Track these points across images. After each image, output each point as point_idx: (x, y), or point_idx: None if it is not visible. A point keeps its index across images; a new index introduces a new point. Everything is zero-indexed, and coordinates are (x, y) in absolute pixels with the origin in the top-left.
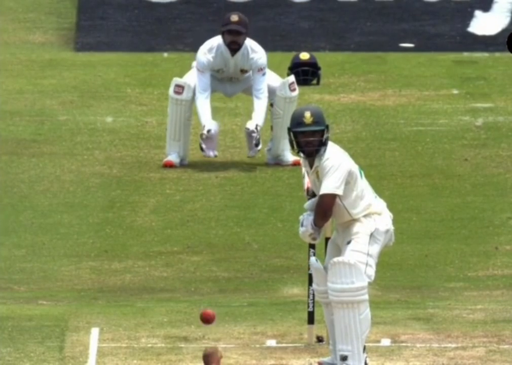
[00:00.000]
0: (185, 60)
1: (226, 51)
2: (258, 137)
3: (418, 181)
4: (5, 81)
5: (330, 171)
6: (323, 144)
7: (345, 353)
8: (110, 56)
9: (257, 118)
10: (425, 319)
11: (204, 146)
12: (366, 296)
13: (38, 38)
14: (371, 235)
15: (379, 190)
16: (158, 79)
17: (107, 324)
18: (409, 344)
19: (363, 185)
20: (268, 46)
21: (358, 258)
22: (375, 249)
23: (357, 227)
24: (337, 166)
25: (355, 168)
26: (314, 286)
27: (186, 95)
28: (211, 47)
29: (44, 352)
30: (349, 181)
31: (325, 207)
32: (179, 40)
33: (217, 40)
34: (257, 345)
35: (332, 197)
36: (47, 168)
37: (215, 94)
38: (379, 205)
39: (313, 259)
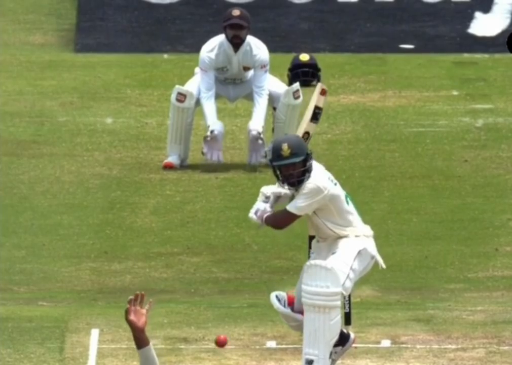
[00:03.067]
0: (185, 61)
1: (229, 48)
2: (264, 146)
3: (418, 182)
4: (5, 82)
5: (306, 192)
6: (307, 171)
7: (311, 357)
8: (110, 57)
9: (259, 120)
10: (425, 320)
11: (205, 150)
12: (339, 303)
13: (38, 39)
14: (359, 252)
15: (379, 191)
16: (158, 80)
17: (107, 325)
18: (409, 346)
19: (349, 209)
20: (268, 47)
21: (340, 268)
22: (359, 266)
23: (346, 241)
24: (315, 190)
25: (339, 192)
26: (284, 321)
27: (188, 103)
28: (214, 45)
29: (44, 353)
30: (327, 205)
31: (282, 223)
32: (179, 41)
33: (219, 38)
34: (257, 347)
35: (292, 216)
36: (47, 169)
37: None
38: (368, 230)
39: (273, 300)
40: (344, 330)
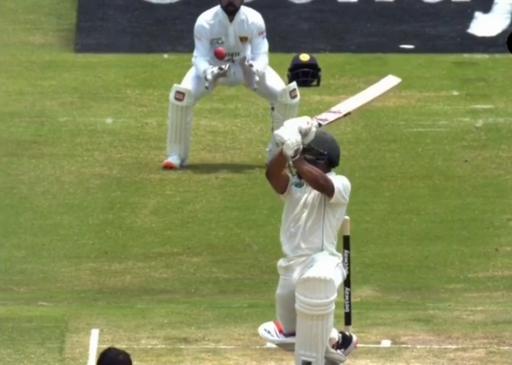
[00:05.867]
0: (185, 61)
1: (224, 18)
2: (256, 69)
3: (419, 182)
4: (5, 83)
5: (337, 179)
6: (319, 166)
7: (309, 359)
8: (110, 57)
9: (258, 64)
10: (425, 320)
11: (209, 82)
12: (334, 306)
13: (38, 39)
14: (337, 264)
15: (379, 191)
16: (158, 80)
17: (107, 325)
18: (409, 346)
19: (340, 223)
20: (268, 48)
21: (328, 273)
22: (339, 277)
23: (323, 255)
24: (344, 181)
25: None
26: (281, 349)
27: (187, 101)
28: (210, 15)
29: (44, 353)
30: (342, 207)
31: (325, 181)
32: (179, 42)
33: (215, 9)
34: (257, 347)
35: (332, 190)
36: (47, 169)
37: (215, 93)
38: (338, 253)
39: (263, 334)
40: (347, 333)
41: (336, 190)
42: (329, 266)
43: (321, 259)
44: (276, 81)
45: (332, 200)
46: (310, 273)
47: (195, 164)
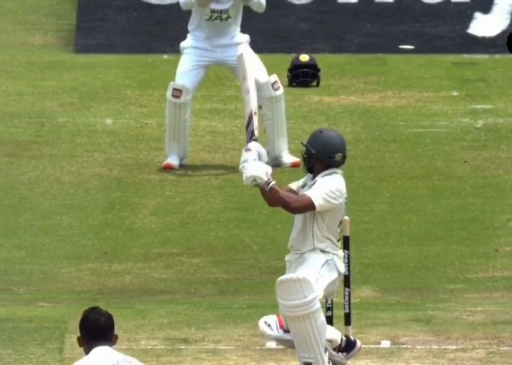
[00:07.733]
0: None
1: None
2: None
3: (418, 182)
4: (5, 83)
5: (322, 183)
6: (310, 163)
7: (308, 360)
8: (110, 58)
9: None
10: (424, 320)
11: None
12: (319, 304)
13: (38, 40)
14: (327, 261)
15: (379, 192)
16: (158, 81)
17: None
18: (409, 346)
19: (337, 222)
20: (268, 48)
21: (308, 275)
22: (328, 273)
23: (313, 253)
24: (331, 182)
25: (342, 207)
26: (280, 344)
27: (184, 98)
28: None
29: (44, 354)
30: (335, 209)
31: (298, 206)
32: (179, 42)
33: None
34: (257, 347)
35: (311, 205)
36: (47, 170)
37: (215, 94)
38: (339, 251)
39: (263, 327)
40: (352, 337)
41: (315, 203)
42: (310, 266)
43: (308, 259)
44: (260, 72)
45: (317, 211)
46: (283, 276)
47: (195, 165)
